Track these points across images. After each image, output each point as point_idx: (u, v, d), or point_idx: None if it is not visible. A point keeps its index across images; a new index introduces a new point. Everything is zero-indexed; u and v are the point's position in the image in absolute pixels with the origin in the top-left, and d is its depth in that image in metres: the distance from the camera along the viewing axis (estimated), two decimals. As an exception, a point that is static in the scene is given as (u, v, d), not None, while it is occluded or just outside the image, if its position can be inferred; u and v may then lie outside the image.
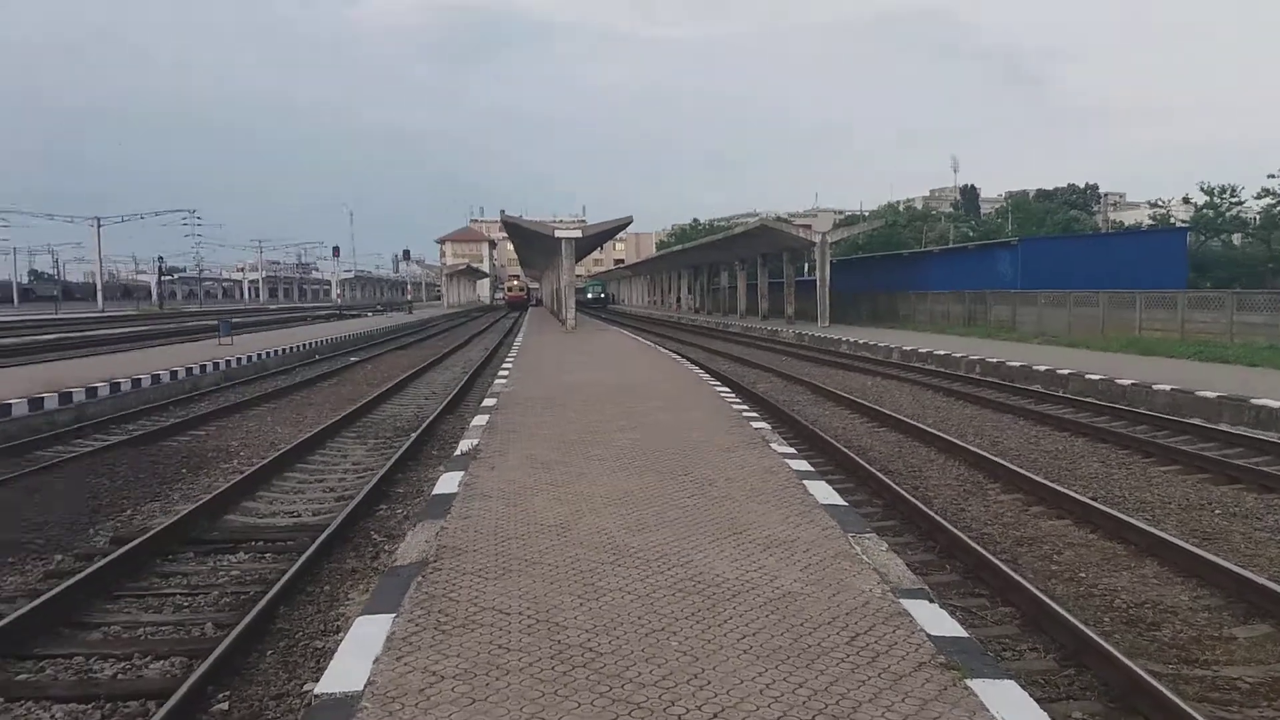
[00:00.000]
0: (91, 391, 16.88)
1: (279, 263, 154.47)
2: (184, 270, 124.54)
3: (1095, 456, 12.58)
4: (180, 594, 7.11)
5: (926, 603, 5.45)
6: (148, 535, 8.18)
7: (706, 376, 19.48)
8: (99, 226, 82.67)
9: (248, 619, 6.09)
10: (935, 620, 5.16)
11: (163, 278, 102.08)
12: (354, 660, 4.65)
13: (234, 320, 37.47)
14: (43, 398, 15.44)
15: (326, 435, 14.22)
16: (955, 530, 8.31)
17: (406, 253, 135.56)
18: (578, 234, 42.38)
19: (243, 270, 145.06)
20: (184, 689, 5.05)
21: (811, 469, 9.58)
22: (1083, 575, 7.56)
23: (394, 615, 5.25)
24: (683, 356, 25.75)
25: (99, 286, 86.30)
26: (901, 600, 5.45)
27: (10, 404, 14.60)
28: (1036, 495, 10.04)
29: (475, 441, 10.97)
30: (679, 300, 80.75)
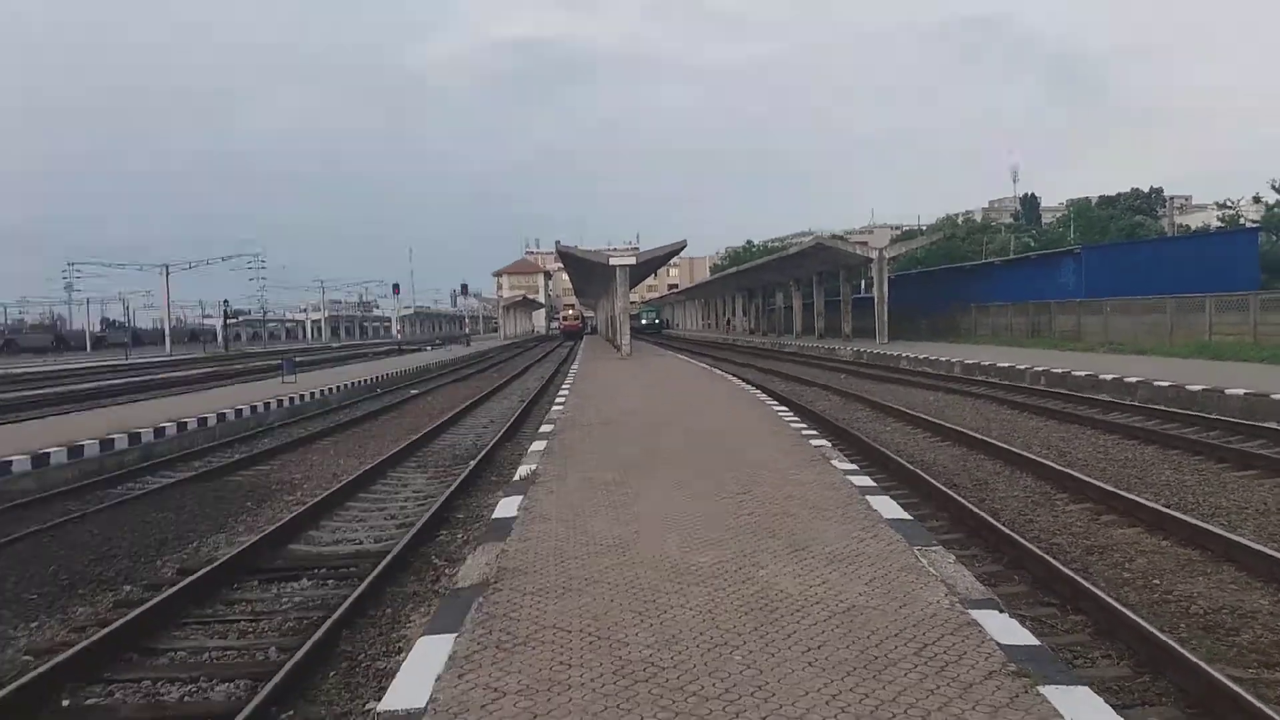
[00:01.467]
0: (159, 431, 17.26)
1: (340, 301, 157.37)
2: (249, 313, 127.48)
3: (1166, 464, 12.21)
4: (245, 620, 7.19)
5: (996, 613, 5.30)
6: (213, 565, 8.29)
7: (764, 397, 19.34)
8: (167, 274, 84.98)
9: (310, 642, 6.13)
10: (1005, 630, 5.01)
11: (228, 320, 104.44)
12: (416, 678, 4.64)
13: (297, 359, 38.15)
14: (113, 439, 15.82)
15: (388, 465, 14.35)
16: (1023, 541, 8.09)
17: (465, 287, 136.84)
18: (632, 260, 42.51)
19: (305, 310, 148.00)
20: (248, 709, 5.08)
21: (874, 484, 9.42)
22: (1156, 582, 7.32)
23: (456, 635, 5.23)
24: (739, 378, 25.61)
25: (167, 331, 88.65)
26: (970, 611, 5.30)
27: (83, 445, 14.99)
28: (1106, 504, 9.77)
29: (534, 466, 10.98)
30: (729, 322, 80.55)
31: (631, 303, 51.26)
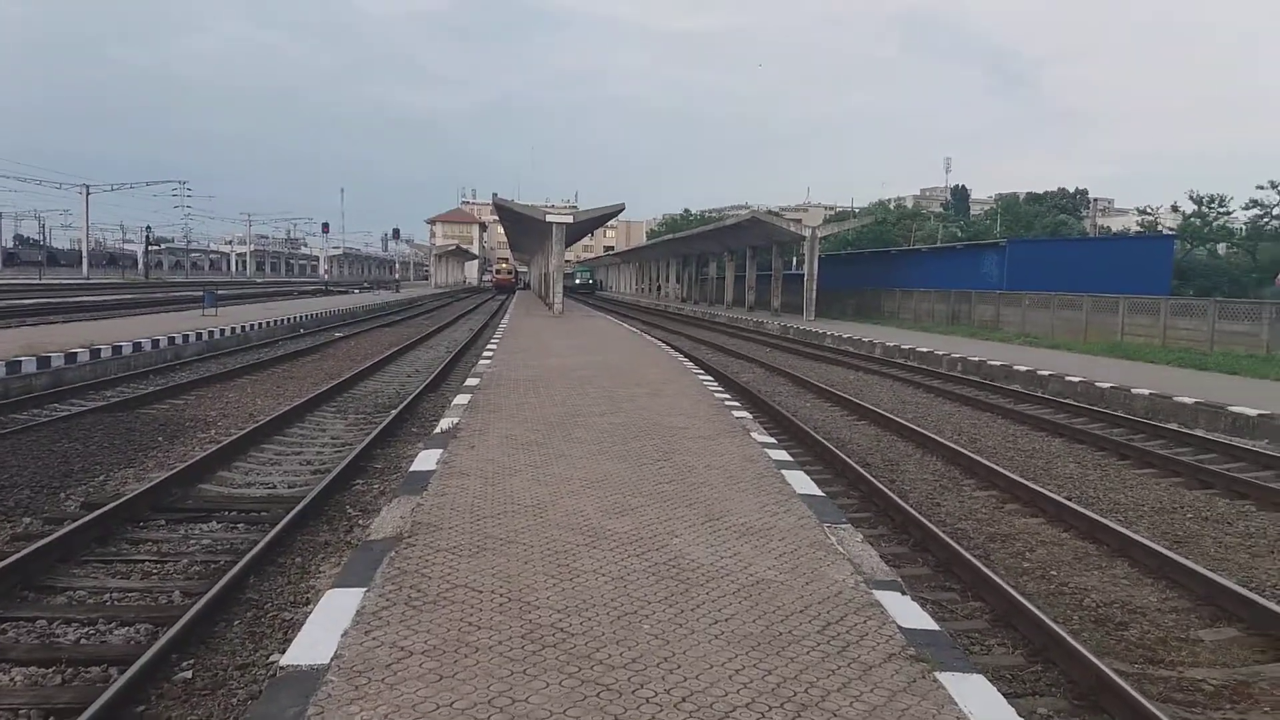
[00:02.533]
0: (71, 357, 16.72)
1: (267, 237, 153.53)
2: (171, 241, 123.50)
3: (1071, 457, 12.64)
4: (149, 561, 7.05)
5: (899, 595, 5.45)
6: (119, 501, 8.10)
7: (690, 365, 19.47)
8: (88, 194, 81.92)
9: (216, 588, 6.04)
10: (907, 612, 5.16)
11: (150, 247, 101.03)
12: (322, 632, 4.61)
13: (219, 292, 37.16)
14: (20, 361, 15.28)
15: (306, 409, 14.13)
16: (929, 524, 8.32)
17: (396, 231, 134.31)
18: (569, 219, 42.24)
19: (231, 243, 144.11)
20: (147, 656, 5.00)
21: (790, 459, 9.59)
22: (1054, 573, 7.60)
23: (365, 590, 5.21)
24: (668, 344, 25.72)
25: (85, 253, 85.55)
26: (874, 591, 5.45)
27: (-14, 366, 14.44)
28: (1011, 493, 10.09)
29: (456, 420, 10.92)
30: (661, 288, 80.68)
31: (567, 262, 50.95)
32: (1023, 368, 20.74)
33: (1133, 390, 16.89)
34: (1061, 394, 18.26)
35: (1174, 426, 14.50)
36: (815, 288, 42.79)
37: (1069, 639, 5.73)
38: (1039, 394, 18.41)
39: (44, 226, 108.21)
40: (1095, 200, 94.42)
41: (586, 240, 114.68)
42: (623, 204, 43.74)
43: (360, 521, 8.17)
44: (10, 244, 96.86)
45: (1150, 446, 12.99)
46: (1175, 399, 15.77)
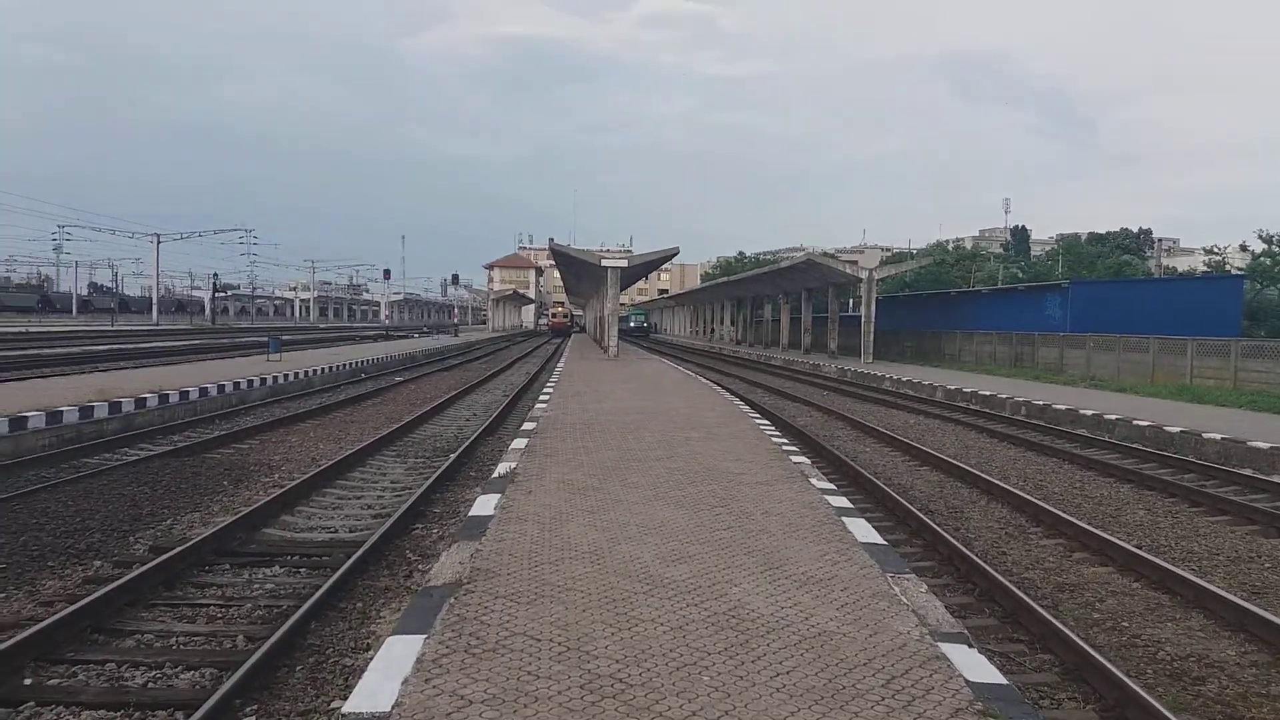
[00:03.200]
0: (140, 402, 17.17)
1: (330, 283, 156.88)
2: (238, 288, 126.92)
3: (1141, 504, 12.30)
4: (215, 605, 7.15)
5: (965, 647, 5.32)
6: (186, 545, 8.25)
7: (746, 408, 19.37)
8: (158, 242, 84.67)
9: (279, 633, 6.11)
10: (973, 666, 5.04)
11: (216, 294, 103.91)
12: (383, 680, 4.63)
13: (284, 337, 37.98)
14: (93, 406, 15.72)
15: (367, 453, 14.32)
16: (995, 573, 8.14)
17: (455, 277, 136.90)
18: (624, 264, 42.55)
19: (295, 289, 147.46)
20: (212, 701, 5.06)
21: (850, 506, 9.45)
22: (1125, 625, 7.37)
23: (425, 636, 5.22)
24: (723, 387, 25.65)
25: (154, 300, 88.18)
26: (940, 644, 5.33)
27: (61, 411, 14.89)
28: (1080, 541, 9.83)
29: (513, 465, 10.98)
30: (711, 330, 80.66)
31: (621, 305, 51.24)
32: (1088, 411, 20.29)
33: (1204, 435, 16.41)
34: (1129, 439, 17.81)
35: (1248, 472, 14.04)
36: (873, 330, 42.40)
37: (1143, 694, 5.53)
38: (1106, 439, 17.98)
39: (117, 274, 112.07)
40: (1160, 240, 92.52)
41: (641, 283, 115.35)
42: (677, 248, 43.93)
43: (420, 566, 8.21)
44: (85, 291, 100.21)
45: (1224, 493, 12.59)
46: (1249, 444, 15.28)
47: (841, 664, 4.98)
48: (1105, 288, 46.50)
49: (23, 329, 54.10)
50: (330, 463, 12.94)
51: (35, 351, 33.78)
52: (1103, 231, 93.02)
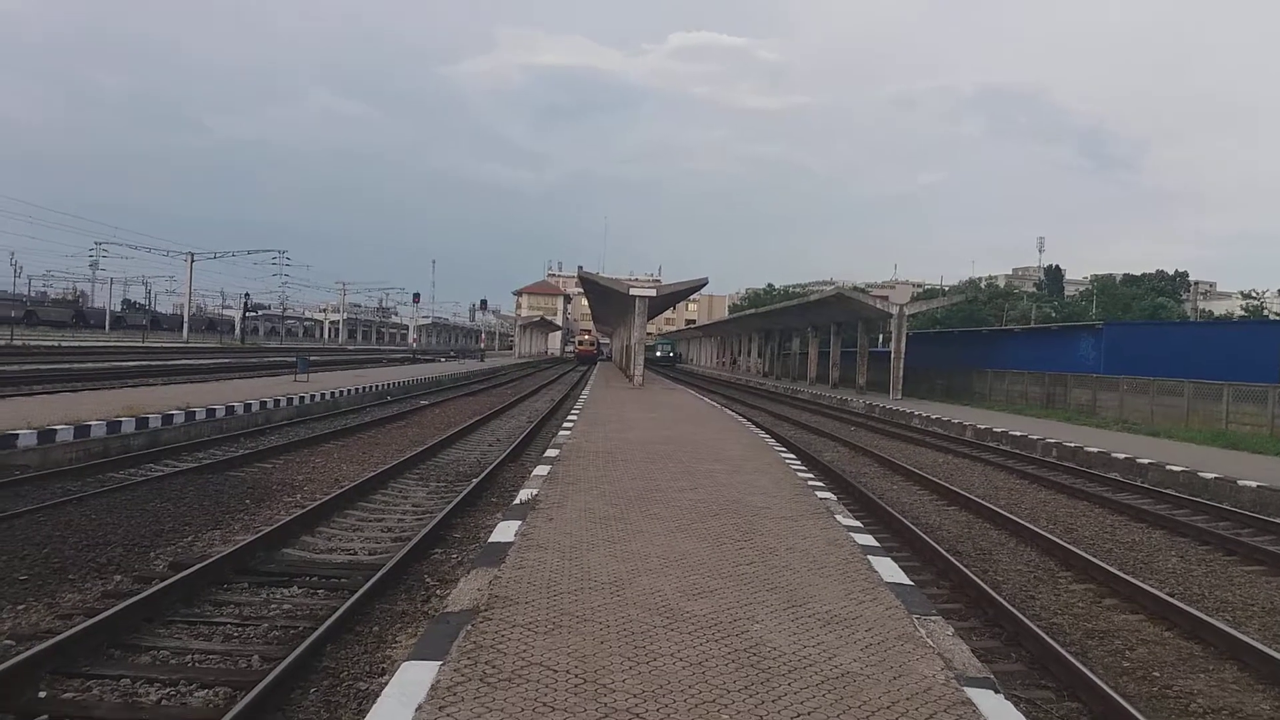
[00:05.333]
0: (167, 419, 17.28)
1: (360, 305, 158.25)
2: (268, 308, 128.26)
3: (1174, 551, 12.04)
4: (231, 624, 7.11)
5: (991, 693, 5.17)
6: (206, 563, 8.24)
7: (772, 441, 19.22)
8: (192, 261, 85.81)
9: (294, 654, 6.05)
10: (1000, 712, 4.89)
11: (247, 313, 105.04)
12: (397, 706, 4.56)
13: (312, 358, 38.25)
14: (120, 421, 15.84)
15: (390, 476, 14.30)
16: (1023, 617, 7.96)
17: (484, 302, 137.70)
18: (652, 293, 42.62)
19: (325, 311, 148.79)
20: (225, 722, 5.00)
21: (877, 544, 9.29)
22: (1156, 675, 7.18)
23: (440, 663, 5.14)
24: (748, 420, 25.50)
25: (186, 318, 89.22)
26: (965, 689, 5.18)
27: (90, 425, 15.01)
28: (1110, 587, 9.61)
29: (535, 491, 10.91)
30: (736, 362, 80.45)
31: (648, 334, 51.21)
32: (1121, 455, 19.96)
33: (1239, 482, 16.07)
34: (1162, 484, 17.48)
35: (1286, 522, 13.72)
36: (902, 366, 42.11)
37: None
38: (1138, 483, 17.66)
39: (150, 291, 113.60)
40: (1196, 283, 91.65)
41: (668, 313, 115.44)
42: (705, 278, 43.96)
43: (438, 592, 8.14)
44: (118, 308, 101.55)
45: (1259, 542, 12.29)
46: (1287, 493, 14.94)
47: (864, 706, 4.85)
48: (1140, 330, 46.04)
49: (56, 343, 54.83)
50: (353, 484, 12.93)
51: (67, 366, 34.21)
52: (1138, 273, 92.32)
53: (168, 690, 5.77)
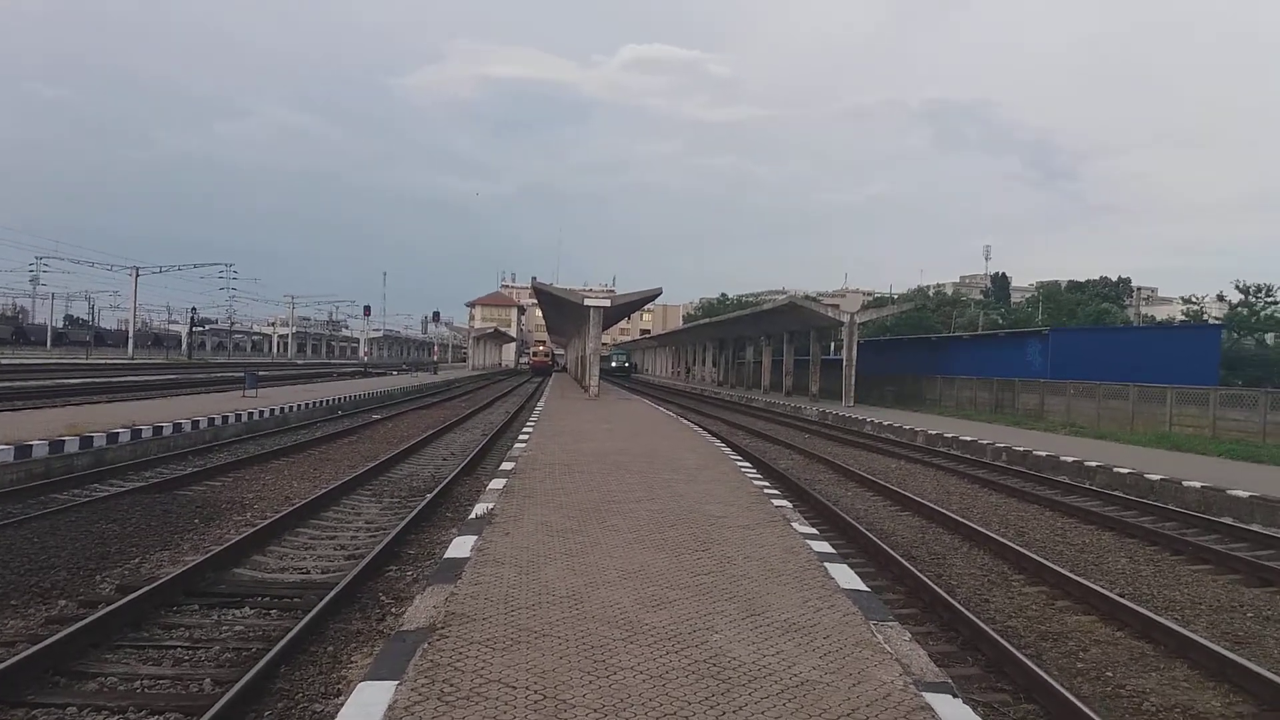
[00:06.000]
0: (112, 437, 16.90)
1: (309, 319, 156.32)
2: (215, 322, 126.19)
3: (1123, 552, 12.26)
4: (182, 647, 6.95)
5: (950, 697, 5.22)
6: (154, 585, 8.05)
7: (728, 450, 19.27)
8: (137, 275, 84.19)
9: (247, 677, 5.93)
10: (958, 717, 4.94)
11: (194, 328, 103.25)
12: (352, 728, 4.48)
13: (260, 373, 37.67)
14: (63, 440, 15.46)
15: (341, 492, 14.11)
16: (979, 621, 8.05)
17: (436, 314, 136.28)
18: (606, 303, 42.58)
19: (273, 325, 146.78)
20: (175, 749, 4.88)
21: (833, 551, 9.34)
22: (1109, 674, 7.29)
23: (397, 683, 5.07)
24: (704, 429, 25.55)
25: (131, 334, 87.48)
26: (924, 693, 5.21)
27: (31, 445, 14.62)
28: (1062, 589, 9.76)
29: (491, 505, 10.82)
30: (691, 371, 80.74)
31: (603, 345, 51.23)
32: (1069, 458, 20.31)
33: (1184, 483, 16.43)
34: (1110, 486, 17.81)
35: (1228, 521, 14.06)
36: (854, 373, 42.53)
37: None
38: (1087, 485, 17.98)
39: (93, 307, 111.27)
40: (1139, 289, 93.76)
41: (623, 323, 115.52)
42: (660, 289, 44.05)
43: (393, 610, 8.04)
44: (60, 324, 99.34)
45: (1205, 541, 12.57)
46: (1229, 492, 15.30)
47: (825, 714, 4.86)
48: (1085, 335, 46.94)
49: (-4, 361, 53.45)
50: (304, 501, 12.74)
51: (7, 384, 33.33)
52: (1082, 280, 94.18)
53: (116, 717, 5.61)
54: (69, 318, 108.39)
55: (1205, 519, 14.18)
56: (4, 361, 53.69)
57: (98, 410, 22.95)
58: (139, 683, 6.22)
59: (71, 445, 15.57)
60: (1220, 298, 60.87)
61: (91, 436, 16.31)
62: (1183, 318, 62.34)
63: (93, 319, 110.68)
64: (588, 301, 41.98)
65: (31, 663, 6.08)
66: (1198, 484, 16.19)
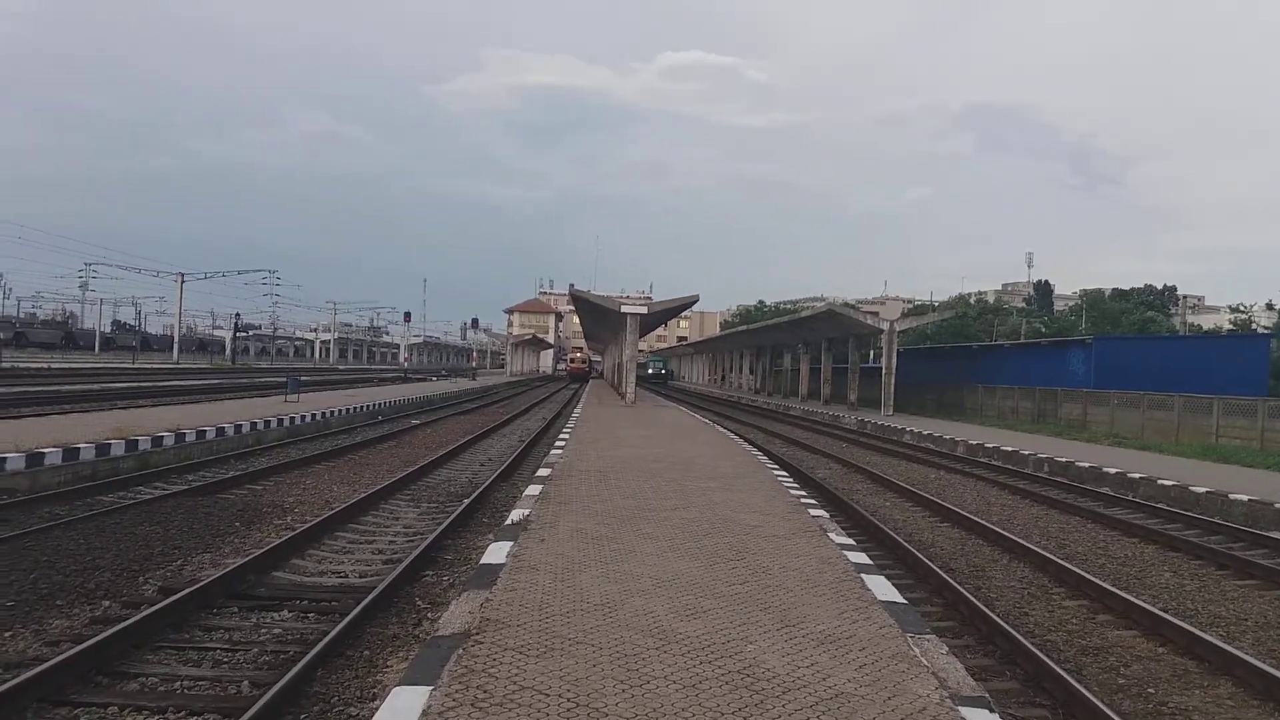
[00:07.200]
0: (157, 441, 17.19)
1: (351, 325, 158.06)
2: (259, 328, 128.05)
3: (1166, 566, 12.04)
4: (221, 649, 7.05)
5: (986, 712, 5.15)
6: (195, 587, 8.17)
7: (764, 459, 19.20)
8: (182, 281, 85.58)
9: (284, 680, 5.99)
10: (996, 733, 4.86)
11: (238, 334, 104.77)
12: (386, 733, 4.51)
13: (302, 378, 38.15)
14: (110, 444, 15.75)
15: (381, 497, 14.24)
16: (1018, 635, 7.93)
17: (475, 321, 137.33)
18: (643, 310, 42.63)
19: (315, 330, 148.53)
20: (213, 750, 4.94)
21: (870, 562, 9.27)
22: (1151, 691, 7.16)
23: (431, 688, 5.10)
24: (741, 437, 25.48)
25: (176, 339, 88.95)
26: (960, 708, 5.16)
27: (79, 448, 14.91)
28: (1104, 603, 9.61)
29: (526, 512, 10.86)
30: (727, 378, 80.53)
31: (640, 351, 51.25)
32: (1112, 470, 20.00)
33: (1230, 495, 16.11)
34: (1154, 498, 17.51)
35: (1277, 535, 13.74)
36: (893, 381, 42.19)
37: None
38: (1130, 498, 17.69)
39: (140, 312, 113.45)
40: (1185, 297, 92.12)
41: (660, 330, 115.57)
42: (697, 295, 44.04)
43: (429, 615, 8.09)
44: (108, 329, 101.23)
45: (1252, 556, 12.31)
46: (1277, 505, 14.97)
47: (859, 728, 4.81)
48: (1130, 344, 46.18)
49: (45, 365, 54.62)
50: (343, 506, 12.87)
51: (56, 387, 34.07)
52: (1126, 288, 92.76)
53: (156, 718, 5.70)
54: (116, 323, 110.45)
55: (1252, 533, 13.88)
56: (53, 365, 54.84)
57: (143, 414, 23.36)
58: (179, 683, 6.31)
59: (117, 448, 15.85)
60: (1270, 306, 59.69)
61: (137, 440, 16.59)
62: (1230, 326, 61.13)
63: (139, 324, 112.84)
64: (624, 308, 42.04)
65: (75, 662, 6.19)
66: (1245, 497, 15.87)
